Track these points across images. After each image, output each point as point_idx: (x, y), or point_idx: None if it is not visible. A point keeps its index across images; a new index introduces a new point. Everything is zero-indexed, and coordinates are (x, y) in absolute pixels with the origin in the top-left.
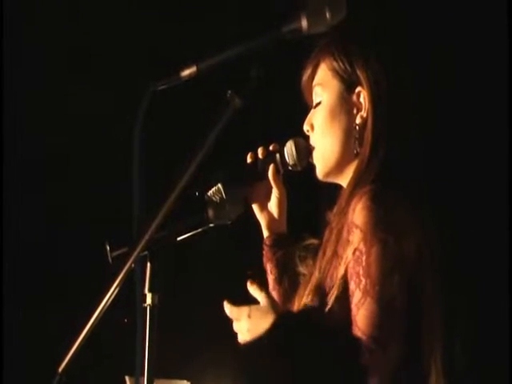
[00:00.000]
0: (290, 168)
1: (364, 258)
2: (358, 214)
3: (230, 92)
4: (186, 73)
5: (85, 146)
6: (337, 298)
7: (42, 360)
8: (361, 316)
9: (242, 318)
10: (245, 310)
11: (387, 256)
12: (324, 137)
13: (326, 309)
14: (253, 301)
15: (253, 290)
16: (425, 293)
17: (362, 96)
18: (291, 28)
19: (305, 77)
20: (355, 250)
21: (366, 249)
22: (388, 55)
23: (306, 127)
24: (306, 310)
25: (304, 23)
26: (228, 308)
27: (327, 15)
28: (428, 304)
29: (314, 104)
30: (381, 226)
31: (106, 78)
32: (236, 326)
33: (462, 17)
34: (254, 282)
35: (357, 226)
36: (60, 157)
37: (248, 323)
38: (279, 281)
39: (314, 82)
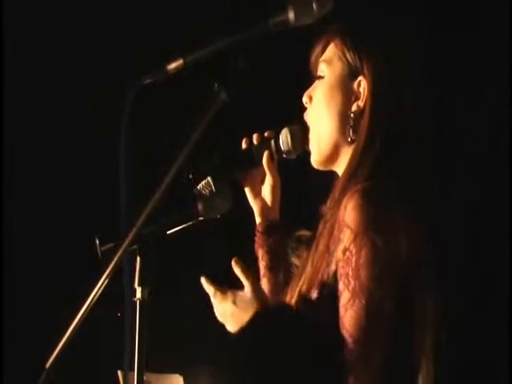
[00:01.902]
0: (284, 155)
1: (354, 259)
2: (349, 212)
3: (216, 85)
4: (172, 66)
5: (73, 141)
6: (328, 294)
7: (31, 356)
8: (348, 318)
9: (227, 302)
10: (230, 295)
11: (377, 259)
12: (319, 118)
13: (320, 304)
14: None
15: (239, 271)
16: (417, 290)
17: (363, 85)
18: (278, 20)
19: (313, 55)
20: (345, 249)
21: (356, 250)
22: (396, 53)
23: (305, 99)
24: (289, 305)
25: (291, 15)
26: (208, 286)
27: (314, 7)
28: (420, 300)
29: (318, 76)
30: (372, 227)
31: (94, 72)
32: (219, 308)
33: (468, 18)
34: (239, 262)
35: (348, 226)
36: (48, 152)
37: (232, 309)
38: (270, 268)
39: (321, 59)
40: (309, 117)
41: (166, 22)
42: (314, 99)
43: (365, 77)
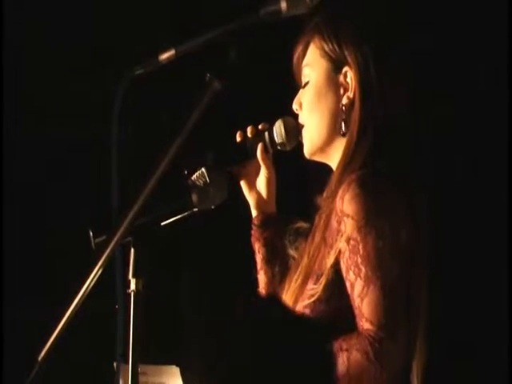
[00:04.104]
0: (278, 147)
1: (361, 246)
2: (347, 203)
3: (208, 75)
4: (164, 56)
5: (66, 133)
6: (326, 286)
7: (23, 349)
8: (366, 306)
9: None
10: None
11: (384, 242)
12: (311, 115)
13: (315, 297)
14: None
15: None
16: (414, 279)
17: (349, 76)
18: (270, 10)
19: (295, 57)
20: (349, 239)
21: (361, 237)
22: (378, 38)
23: (294, 106)
24: (277, 298)
25: (283, 5)
26: None
27: None
28: (415, 290)
29: (303, 84)
30: (374, 213)
31: (85, 63)
32: None
33: (460, 5)
34: None
35: (348, 215)
36: (42, 145)
37: None
38: (267, 261)
39: (304, 63)
40: (302, 120)
41: (157, 12)
42: (303, 104)
43: (350, 67)
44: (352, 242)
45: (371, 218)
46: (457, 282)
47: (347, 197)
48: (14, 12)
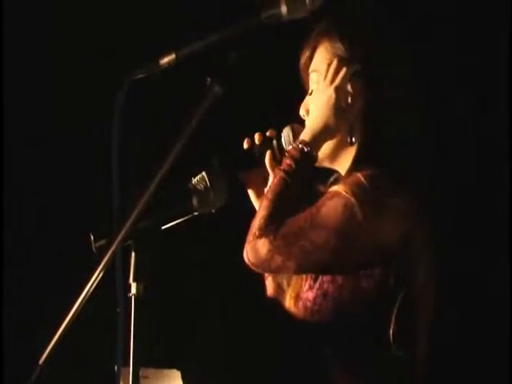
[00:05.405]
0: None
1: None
2: (345, 184)
3: (209, 80)
4: (164, 61)
5: (66, 137)
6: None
7: (25, 352)
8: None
9: None
10: None
11: (340, 211)
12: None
13: (313, 290)
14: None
15: None
16: (416, 279)
17: (358, 83)
18: (270, 14)
19: (302, 60)
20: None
21: (324, 200)
22: (386, 43)
23: (302, 112)
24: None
25: (283, 9)
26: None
27: (307, 0)
28: (419, 291)
29: (310, 91)
30: (359, 198)
31: (86, 67)
32: None
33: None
34: None
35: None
36: (43, 148)
37: None
38: None
39: (311, 68)
40: None
41: (158, 15)
42: (311, 110)
43: (358, 74)
44: (321, 200)
45: (348, 193)
46: (463, 284)
47: (349, 180)
48: (14, 13)
